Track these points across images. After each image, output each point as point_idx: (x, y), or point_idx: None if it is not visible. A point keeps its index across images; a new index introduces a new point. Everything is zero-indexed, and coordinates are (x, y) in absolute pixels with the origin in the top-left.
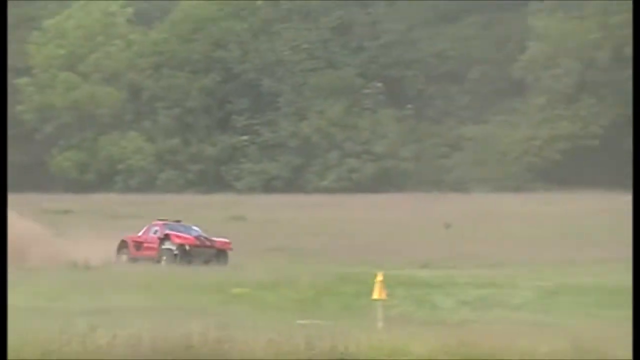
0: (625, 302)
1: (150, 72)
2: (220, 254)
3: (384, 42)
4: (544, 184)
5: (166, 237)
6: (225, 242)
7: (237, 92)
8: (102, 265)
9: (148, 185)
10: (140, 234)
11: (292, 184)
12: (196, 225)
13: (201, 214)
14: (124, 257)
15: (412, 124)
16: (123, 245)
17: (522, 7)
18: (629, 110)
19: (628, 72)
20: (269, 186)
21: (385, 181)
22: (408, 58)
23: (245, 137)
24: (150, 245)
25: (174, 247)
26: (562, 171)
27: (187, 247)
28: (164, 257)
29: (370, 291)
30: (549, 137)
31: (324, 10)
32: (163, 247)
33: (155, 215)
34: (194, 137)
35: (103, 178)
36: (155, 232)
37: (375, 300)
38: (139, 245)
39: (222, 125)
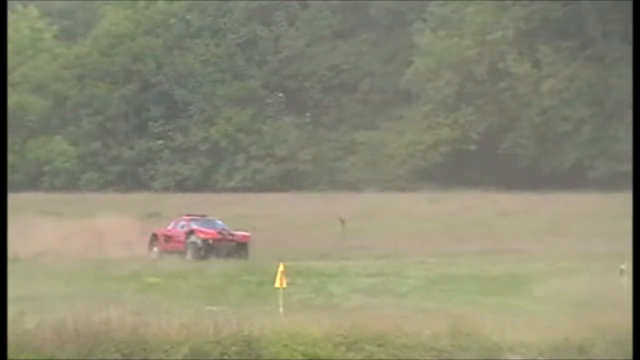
0: (499, 289)
1: (74, 82)
2: (240, 247)
3: (284, 56)
4: (428, 183)
5: (191, 231)
6: (245, 235)
7: (153, 101)
8: (32, 257)
9: (72, 184)
10: (169, 227)
11: (203, 183)
12: (220, 220)
13: (120, 211)
14: (155, 250)
15: (310, 130)
16: (154, 238)
17: (408, 26)
18: (502, 118)
19: (502, 84)
20: (181, 186)
21: (286, 181)
22: (306, 71)
23: (160, 141)
24: (178, 238)
25: (198, 241)
26: (444, 172)
27: (210, 241)
28: (189, 250)
29: (272, 280)
30: (432, 142)
31: (230, 28)
32: (189, 240)
33: (78, 213)
34: (114, 141)
35: (31, 178)
36: (182, 226)
37: (277, 288)
38: (168, 238)
39: (139, 131)
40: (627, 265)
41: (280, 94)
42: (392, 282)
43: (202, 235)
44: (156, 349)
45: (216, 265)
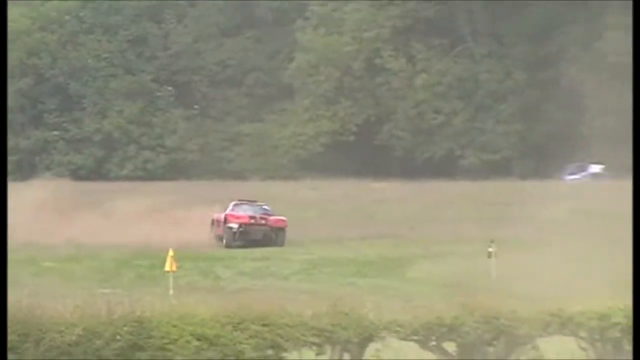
0: (376, 272)
1: None
2: (277, 232)
3: (173, 52)
4: (309, 173)
5: (226, 217)
6: (279, 220)
7: (48, 94)
8: None
9: None
10: (226, 212)
11: (96, 172)
12: (267, 205)
13: (16, 198)
14: (212, 235)
15: (198, 122)
16: (212, 223)
17: (290, 24)
18: (379, 111)
19: (379, 79)
20: (75, 175)
21: (175, 170)
22: (194, 66)
23: (55, 132)
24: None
25: (234, 226)
26: (324, 162)
27: (241, 226)
28: (225, 235)
29: (162, 264)
30: (313, 133)
31: (122, 24)
32: (226, 226)
33: None
34: (11, 132)
35: None
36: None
37: (167, 272)
38: (218, 223)
39: (35, 122)
40: (495, 248)
41: (170, 88)
42: (276, 266)
43: (233, 220)
44: (51, 329)
45: (109, 250)
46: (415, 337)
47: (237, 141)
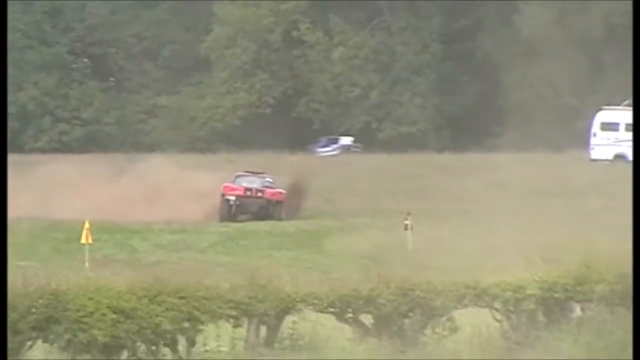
0: (293, 244)
1: None
2: (274, 205)
3: (89, 24)
4: (226, 145)
5: (223, 189)
6: (277, 192)
7: None
8: None
9: None
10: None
11: (11, 145)
12: (271, 177)
13: None
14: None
15: (114, 94)
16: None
17: None
18: (296, 84)
19: (296, 52)
20: None
21: (91, 143)
22: (110, 38)
23: None
24: None
25: (232, 199)
26: (241, 135)
27: (237, 199)
28: (221, 208)
29: (78, 237)
30: (231, 105)
31: None
32: (222, 198)
33: None
34: None
35: None
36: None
37: (83, 244)
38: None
39: None
40: (411, 221)
41: (86, 60)
42: (193, 238)
43: (228, 192)
44: None
45: (25, 223)
46: (331, 310)
47: (154, 114)
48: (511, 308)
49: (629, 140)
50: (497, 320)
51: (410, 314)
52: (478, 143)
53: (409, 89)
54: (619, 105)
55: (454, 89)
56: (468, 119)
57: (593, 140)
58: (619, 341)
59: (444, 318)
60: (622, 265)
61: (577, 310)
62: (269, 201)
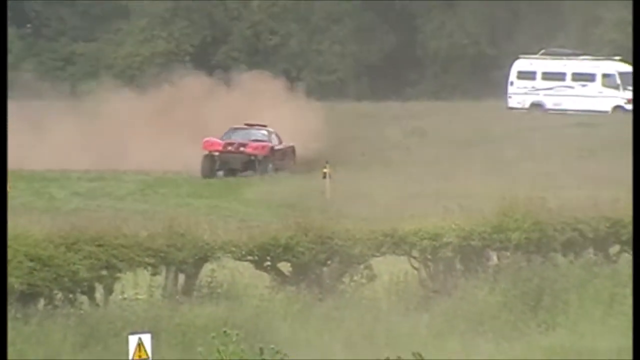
0: (212, 193)
1: None
2: (260, 160)
3: None
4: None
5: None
6: (259, 147)
7: None
8: None
9: None
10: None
11: None
12: (266, 130)
13: None
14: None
15: (31, 41)
16: None
17: None
18: (214, 32)
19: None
20: None
21: (9, 89)
22: None
23: None
24: None
25: (215, 154)
26: (159, 83)
27: (219, 154)
28: (202, 164)
29: None
30: (149, 54)
31: None
32: (205, 154)
33: None
34: None
35: None
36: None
37: None
38: None
39: None
40: (329, 169)
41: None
42: (112, 186)
43: (209, 148)
44: None
45: None
46: (250, 258)
47: (71, 61)
48: (429, 256)
49: (545, 89)
50: (415, 268)
51: (329, 262)
52: (397, 92)
53: (328, 37)
54: (535, 54)
55: (373, 38)
56: (387, 68)
57: (510, 89)
58: (535, 289)
59: (362, 266)
60: (537, 213)
61: (494, 258)
62: (252, 156)
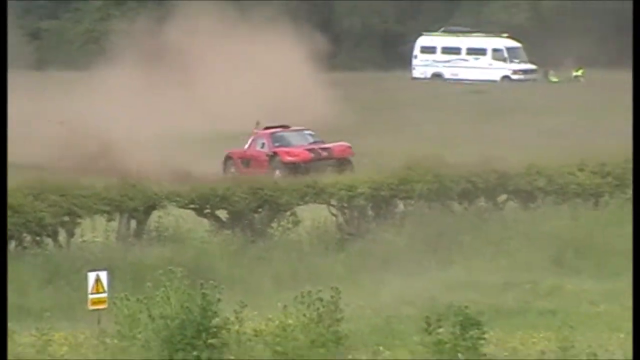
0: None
1: None
2: (344, 164)
3: None
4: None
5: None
6: (344, 148)
7: None
8: None
9: None
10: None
11: None
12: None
13: None
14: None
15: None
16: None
17: None
18: (160, 12)
19: None
20: None
21: None
22: None
23: None
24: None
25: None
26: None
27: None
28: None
29: None
30: (105, 30)
31: None
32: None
33: None
34: None
35: None
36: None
37: None
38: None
39: None
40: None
41: None
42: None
43: (290, 158)
44: None
45: None
46: (192, 206)
47: (37, 36)
48: (345, 204)
49: (444, 61)
50: (333, 215)
51: (260, 210)
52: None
53: None
54: (436, 31)
55: (298, 18)
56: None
57: (414, 62)
58: (435, 232)
59: (288, 213)
60: (437, 168)
61: (400, 205)
62: (338, 160)
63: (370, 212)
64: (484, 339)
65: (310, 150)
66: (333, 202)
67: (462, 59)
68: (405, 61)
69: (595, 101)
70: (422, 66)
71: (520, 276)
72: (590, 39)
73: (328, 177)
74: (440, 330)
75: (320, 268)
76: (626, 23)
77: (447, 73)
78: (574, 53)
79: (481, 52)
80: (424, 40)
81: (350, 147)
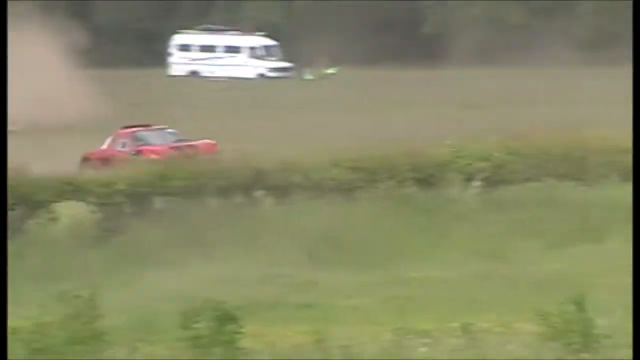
0: None
1: None
2: None
3: None
4: None
5: None
6: (208, 145)
7: None
8: None
9: None
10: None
11: None
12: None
13: None
14: None
15: None
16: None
17: None
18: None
19: None
20: None
21: None
22: None
23: None
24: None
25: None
26: None
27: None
28: None
29: None
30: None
31: None
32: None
33: None
34: None
35: None
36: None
37: None
38: None
39: None
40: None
41: None
42: None
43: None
44: None
45: None
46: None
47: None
48: (103, 201)
49: (200, 59)
50: (92, 212)
51: (15, 207)
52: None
53: None
54: (192, 30)
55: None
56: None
57: (171, 59)
58: (194, 229)
59: (45, 209)
60: (194, 164)
61: (159, 202)
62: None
63: (128, 209)
64: (241, 332)
65: (175, 148)
66: (91, 199)
67: (219, 56)
68: (163, 59)
69: (347, 98)
70: (179, 64)
71: (276, 270)
72: (344, 37)
73: (87, 174)
74: (198, 325)
75: (78, 265)
76: (381, 21)
77: (204, 71)
78: (329, 51)
79: (237, 50)
80: (180, 39)
81: (216, 145)
